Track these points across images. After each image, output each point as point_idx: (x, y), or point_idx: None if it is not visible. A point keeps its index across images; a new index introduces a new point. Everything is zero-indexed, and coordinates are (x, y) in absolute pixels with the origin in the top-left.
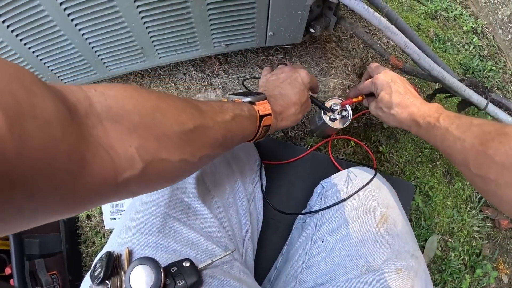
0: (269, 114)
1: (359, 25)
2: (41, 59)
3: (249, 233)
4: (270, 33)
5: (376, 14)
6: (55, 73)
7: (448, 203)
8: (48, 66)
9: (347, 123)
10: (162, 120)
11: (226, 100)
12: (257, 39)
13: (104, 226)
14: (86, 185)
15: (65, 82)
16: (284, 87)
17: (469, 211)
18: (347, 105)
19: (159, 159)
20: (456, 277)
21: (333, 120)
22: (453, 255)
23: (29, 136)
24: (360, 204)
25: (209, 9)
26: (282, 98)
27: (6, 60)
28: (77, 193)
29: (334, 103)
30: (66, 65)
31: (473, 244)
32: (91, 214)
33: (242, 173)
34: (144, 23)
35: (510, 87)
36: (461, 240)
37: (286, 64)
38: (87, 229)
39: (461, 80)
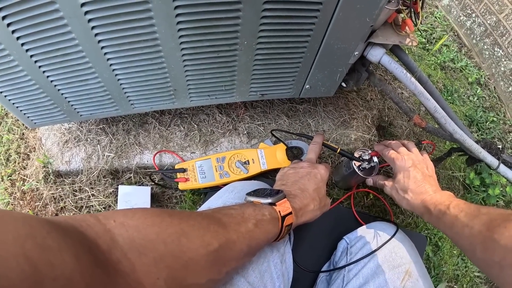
0: (290, 213)
1: (386, 82)
2: (59, 90)
3: None
4: (307, 86)
5: (413, 79)
6: (72, 105)
7: (454, 251)
8: (66, 98)
9: (375, 172)
10: (188, 245)
11: (244, 202)
12: (293, 91)
13: None
14: None
15: (81, 115)
16: (304, 183)
17: None
18: (373, 156)
19: (187, 285)
20: None
21: (361, 170)
22: None
23: None
24: (385, 259)
25: (256, 60)
26: (302, 194)
27: (11, 213)
28: None
29: (363, 152)
30: (86, 99)
31: None
32: None
33: None
34: (185, 66)
35: (509, 137)
36: (464, 285)
37: (300, 159)
38: None
39: (477, 142)
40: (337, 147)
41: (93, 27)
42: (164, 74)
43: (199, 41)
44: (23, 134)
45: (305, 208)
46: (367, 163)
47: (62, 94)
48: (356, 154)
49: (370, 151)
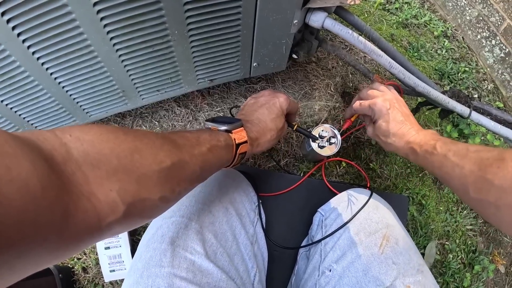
0: (245, 142)
1: (340, 46)
2: (15, 111)
3: (257, 277)
4: (254, 64)
5: (361, 38)
6: (32, 124)
7: (441, 208)
8: (24, 118)
9: (337, 150)
10: (141, 161)
11: (202, 128)
12: (242, 71)
13: (103, 278)
14: (70, 234)
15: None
16: (261, 112)
17: (460, 212)
18: (335, 132)
19: (140, 199)
20: (457, 277)
21: (321, 147)
22: (451, 256)
23: (9, 200)
24: (360, 228)
25: (192, 47)
26: (258, 124)
27: None
28: (63, 243)
29: (322, 130)
30: (42, 115)
31: (469, 242)
32: (87, 266)
33: (241, 216)
34: (125, 66)
35: (484, 86)
36: (457, 241)
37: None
38: (85, 282)
39: (443, 92)
40: (294, 124)
41: (28, 46)
42: (108, 77)
43: (130, 39)
44: None
45: (261, 138)
46: (326, 140)
47: (19, 115)
48: (316, 132)
49: (329, 126)
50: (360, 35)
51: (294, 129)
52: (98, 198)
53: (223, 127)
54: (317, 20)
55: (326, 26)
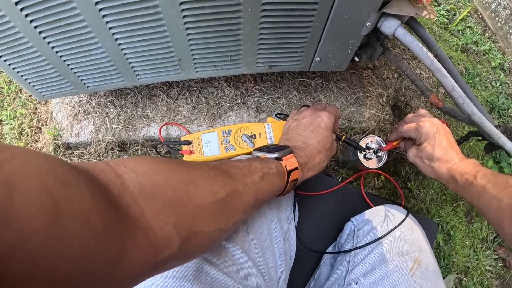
0: (296, 168)
1: (402, 58)
2: (64, 60)
3: (283, 275)
4: (317, 59)
5: (430, 54)
6: (78, 76)
7: (466, 242)
8: (72, 69)
9: (381, 164)
10: (196, 192)
11: (251, 157)
12: (303, 64)
13: None
14: (125, 272)
15: (88, 86)
16: (307, 136)
17: (484, 251)
18: (383, 145)
19: (195, 232)
20: None
21: (367, 158)
22: None
23: (70, 234)
24: (393, 246)
25: (261, 28)
26: (306, 148)
27: (34, 151)
28: (116, 280)
29: (370, 141)
30: (91, 69)
31: (485, 283)
32: None
33: (279, 210)
34: (188, 34)
35: None
36: (474, 279)
37: (308, 106)
38: None
39: (497, 127)
40: (342, 135)
41: None
42: (168, 43)
43: (200, 7)
44: (36, 108)
45: (311, 162)
46: (373, 153)
47: (68, 65)
48: (363, 142)
49: (377, 139)
50: (428, 51)
51: (342, 140)
52: (155, 232)
53: (273, 155)
54: (390, 26)
55: (397, 34)
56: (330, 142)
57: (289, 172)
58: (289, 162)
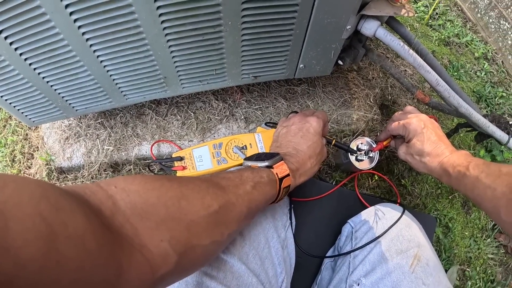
0: (288, 175)
1: (386, 57)
2: (51, 86)
3: (284, 282)
4: (301, 65)
5: (411, 52)
6: (66, 100)
7: (466, 233)
8: (59, 93)
9: (374, 164)
10: (188, 207)
11: (242, 167)
12: (287, 71)
13: None
14: None
15: (76, 110)
16: (297, 142)
17: (484, 239)
18: (374, 146)
19: (191, 246)
20: None
21: (359, 160)
22: (470, 284)
23: (66, 258)
24: (392, 244)
25: (243, 40)
26: (297, 154)
27: (25, 177)
28: None
29: (361, 143)
30: (79, 93)
31: (488, 271)
32: None
33: (275, 218)
34: (172, 52)
35: None
36: (477, 268)
37: (297, 112)
38: None
39: (484, 116)
40: (332, 139)
41: (75, 20)
42: (152, 62)
43: (181, 25)
44: (26, 134)
45: (302, 168)
46: (364, 154)
47: (55, 90)
48: (354, 144)
49: (367, 139)
50: (410, 48)
51: (332, 144)
52: (150, 250)
53: (264, 164)
54: (370, 28)
55: (378, 35)
56: (320, 147)
57: (281, 180)
58: (280, 169)
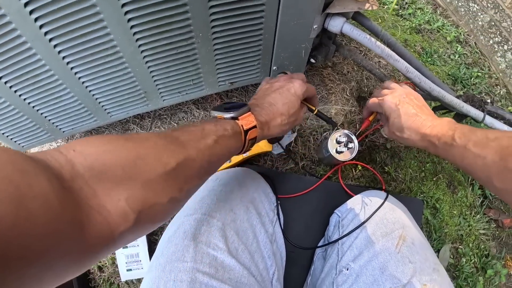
0: (254, 127)
1: (356, 51)
2: (37, 110)
3: (276, 275)
4: (274, 67)
5: (379, 43)
6: (53, 123)
7: (454, 212)
8: (46, 116)
9: (354, 154)
10: (144, 167)
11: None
12: (262, 75)
13: (119, 277)
14: (87, 246)
15: (63, 131)
16: (273, 97)
17: (473, 216)
18: (352, 137)
19: (149, 204)
20: (470, 281)
21: (339, 152)
22: (464, 260)
23: (34, 215)
24: (377, 228)
25: (215, 49)
26: (269, 107)
27: None
28: (82, 254)
29: (340, 135)
30: (64, 114)
31: (482, 246)
32: (103, 265)
33: (261, 215)
34: (149, 67)
35: (497, 91)
36: (470, 245)
37: (286, 73)
38: (100, 281)
39: (458, 97)
40: (314, 108)
41: (55, 46)
42: (131, 78)
43: (155, 41)
44: None
45: (272, 122)
46: (344, 145)
47: (41, 113)
48: (333, 137)
49: (347, 132)
50: (377, 40)
51: (314, 113)
52: (108, 210)
53: (229, 115)
54: (336, 25)
55: (344, 31)
56: (295, 108)
57: (246, 131)
58: (246, 120)
